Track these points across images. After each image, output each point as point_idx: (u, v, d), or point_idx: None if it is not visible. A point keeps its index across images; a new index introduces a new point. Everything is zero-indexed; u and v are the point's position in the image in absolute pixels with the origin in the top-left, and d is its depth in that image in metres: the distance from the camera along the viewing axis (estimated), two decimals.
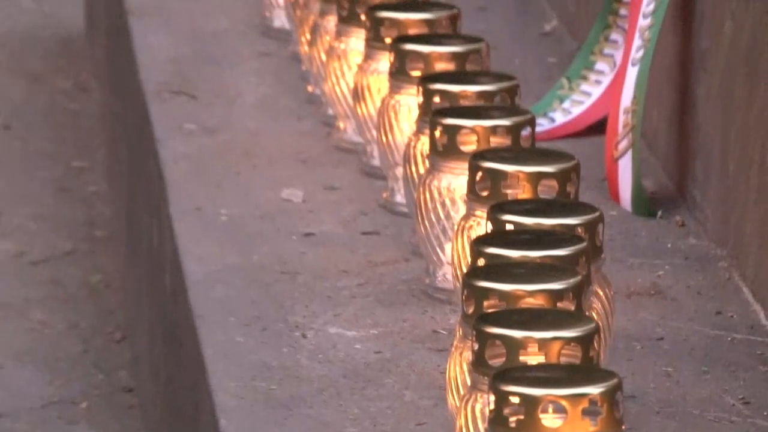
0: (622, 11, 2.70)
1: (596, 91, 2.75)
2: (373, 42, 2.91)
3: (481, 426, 1.98)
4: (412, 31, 2.87)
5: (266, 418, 2.32)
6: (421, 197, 2.62)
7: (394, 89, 2.75)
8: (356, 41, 3.02)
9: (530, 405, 1.87)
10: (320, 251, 2.72)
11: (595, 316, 2.11)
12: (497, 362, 1.99)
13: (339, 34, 3.10)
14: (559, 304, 2.09)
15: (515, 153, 2.57)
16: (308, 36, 3.21)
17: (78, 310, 3.51)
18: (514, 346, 1.98)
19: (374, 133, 2.86)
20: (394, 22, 2.89)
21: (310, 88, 2.99)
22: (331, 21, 3.12)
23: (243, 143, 3.17)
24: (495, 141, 2.56)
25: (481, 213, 2.38)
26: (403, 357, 2.41)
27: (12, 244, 3.39)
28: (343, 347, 2.47)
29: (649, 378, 2.31)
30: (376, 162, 2.91)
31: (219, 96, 3.04)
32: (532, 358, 2.00)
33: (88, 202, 3.50)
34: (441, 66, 2.79)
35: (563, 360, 2.01)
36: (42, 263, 3.31)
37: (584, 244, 2.20)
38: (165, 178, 2.85)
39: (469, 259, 2.27)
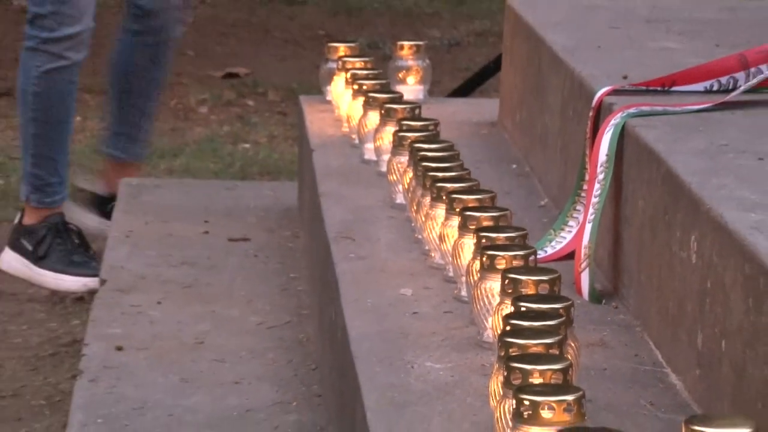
0: (583, 194, 2.74)
1: (569, 237, 2.74)
2: (449, 213, 2.70)
3: (509, 417, 1.96)
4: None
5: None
6: (475, 293, 2.47)
7: (461, 235, 2.63)
8: (440, 211, 2.74)
9: (535, 406, 1.89)
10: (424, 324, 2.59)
11: (569, 357, 2.12)
12: (517, 382, 1.99)
13: (431, 207, 2.80)
14: (550, 351, 2.09)
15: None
16: (415, 207, 2.94)
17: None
18: (526, 374, 1.99)
19: (450, 258, 2.71)
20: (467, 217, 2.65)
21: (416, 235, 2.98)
22: (427, 199, 2.84)
23: None
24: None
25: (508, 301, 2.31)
26: (466, 379, 2.34)
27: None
28: (434, 373, 2.39)
29: (599, 391, 2.27)
30: (451, 274, 2.74)
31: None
32: (536, 380, 1.99)
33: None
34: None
35: (553, 382, 1.99)
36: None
37: (564, 318, 2.21)
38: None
39: (501, 325, 2.24)
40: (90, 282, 4.14)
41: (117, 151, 4.79)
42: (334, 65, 3.85)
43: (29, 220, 4.55)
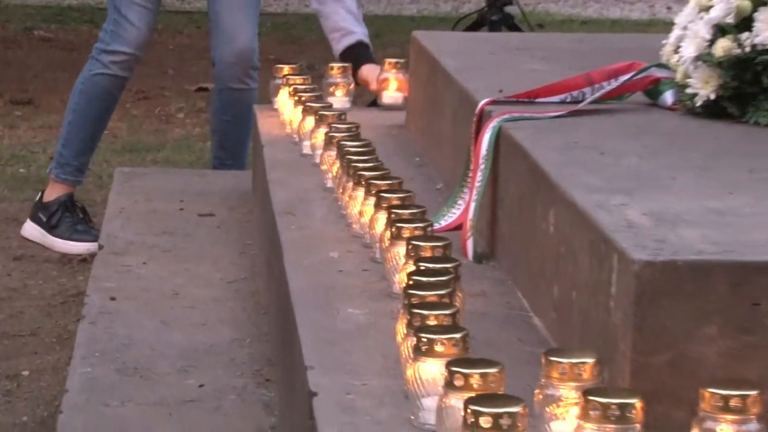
0: (469, 180, 2.72)
1: (458, 213, 2.71)
2: (367, 194, 2.69)
3: (411, 351, 1.90)
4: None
5: None
6: (386, 255, 2.48)
7: (375, 211, 2.60)
8: (360, 193, 2.74)
9: (430, 342, 1.85)
10: (347, 279, 2.58)
11: (457, 305, 2.09)
12: (417, 324, 1.95)
13: (353, 190, 2.79)
14: (442, 300, 2.06)
15: None
16: (341, 190, 2.92)
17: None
18: (423, 318, 1.96)
19: (367, 229, 2.70)
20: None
21: None
22: (350, 184, 2.82)
23: None
24: None
25: (411, 262, 2.28)
26: (379, 322, 2.32)
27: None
28: (355, 317, 2.38)
29: (480, 330, 2.17)
30: (368, 241, 2.71)
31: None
32: (431, 322, 1.96)
33: None
34: None
35: (444, 324, 1.96)
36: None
37: (453, 275, 2.19)
38: None
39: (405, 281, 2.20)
40: (91, 247, 4.15)
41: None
42: (280, 81, 3.86)
43: (47, 197, 4.57)
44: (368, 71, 4.25)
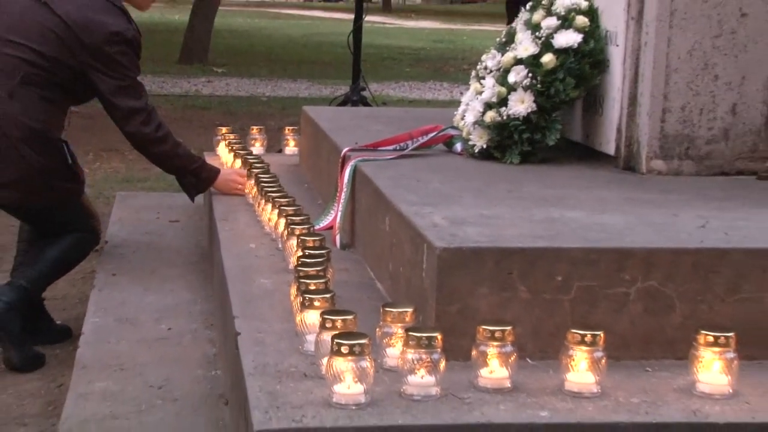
0: (336, 199, 2.63)
1: (330, 218, 2.61)
2: (273, 208, 2.55)
3: (298, 306, 1.84)
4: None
5: None
6: (285, 245, 2.40)
7: (278, 218, 2.49)
8: (269, 206, 2.64)
9: (311, 300, 1.82)
10: (261, 260, 2.48)
11: (329, 276, 2.03)
12: (302, 288, 1.88)
13: (264, 204, 2.70)
14: (319, 272, 2.00)
15: None
16: (258, 205, 2.82)
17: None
18: (306, 285, 1.89)
19: (273, 229, 2.59)
20: None
21: None
22: (263, 201, 2.74)
23: None
24: None
25: (300, 249, 2.19)
26: (281, 288, 2.19)
27: None
28: (265, 285, 2.31)
29: (345, 293, 2.08)
30: (274, 237, 2.57)
31: None
32: (312, 288, 1.87)
33: None
34: None
35: (320, 288, 1.88)
36: None
37: (326, 257, 2.11)
38: None
39: (296, 261, 2.12)
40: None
41: None
42: (220, 137, 3.78)
43: None
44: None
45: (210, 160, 3.76)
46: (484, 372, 1.65)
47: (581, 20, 2.48)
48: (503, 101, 2.57)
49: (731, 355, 1.61)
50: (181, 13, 15.10)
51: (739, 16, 2.31)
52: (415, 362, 1.59)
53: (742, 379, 1.63)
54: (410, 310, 1.78)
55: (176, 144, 2.89)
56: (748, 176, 2.36)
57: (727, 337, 1.60)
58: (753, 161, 2.34)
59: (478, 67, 2.73)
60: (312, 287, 1.89)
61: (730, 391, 1.61)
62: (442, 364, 1.61)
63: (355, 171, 2.62)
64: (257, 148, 3.82)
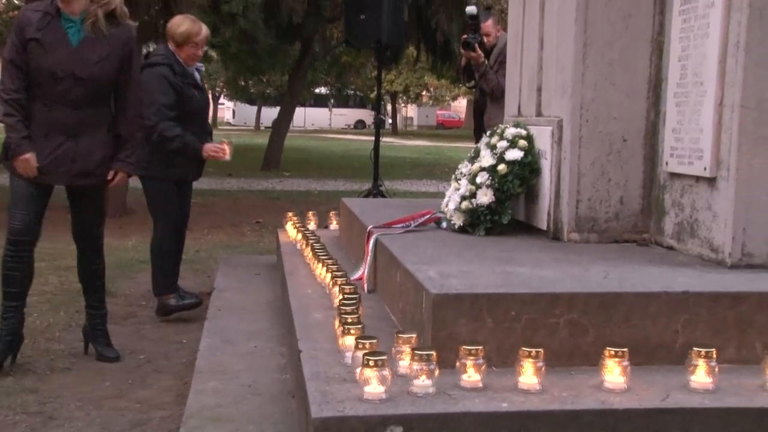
0: (363, 260, 2.54)
1: (359, 272, 2.47)
2: (322, 266, 2.51)
3: (341, 331, 1.79)
4: None
5: None
6: (332, 291, 2.34)
7: (326, 273, 2.44)
8: (319, 265, 2.59)
9: (347, 327, 1.78)
10: (315, 299, 2.40)
11: (359, 312, 1.96)
12: (344, 319, 1.82)
13: (315, 263, 2.64)
14: (352, 309, 1.90)
15: None
16: (312, 264, 2.73)
17: None
18: (346, 317, 1.80)
19: (322, 280, 2.53)
20: None
21: None
22: (315, 261, 2.68)
23: None
24: None
25: (340, 294, 2.13)
26: (330, 318, 2.08)
27: None
28: (321, 312, 2.19)
29: (370, 323, 1.95)
30: (323, 285, 2.48)
31: None
32: (348, 318, 1.81)
33: None
34: None
35: (354, 320, 1.81)
36: None
37: (358, 300, 2.02)
38: None
39: (338, 302, 2.07)
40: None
41: None
42: (288, 219, 3.67)
43: None
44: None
45: (281, 234, 3.77)
46: (464, 377, 1.64)
47: (522, 143, 2.55)
48: (473, 195, 2.58)
49: (626, 363, 1.63)
50: (263, 138, 15.49)
51: (622, 140, 2.42)
52: (418, 371, 1.59)
53: (633, 379, 1.66)
54: (414, 335, 1.74)
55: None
56: (632, 243, 2.42)
57: (623, 351, 1.63)
58: (635, 234, 2.42)
59: (456, 172, 2.73)
60: (349, 320, 1.87)
61: (626, 387, 1.63)
62: (437, 372, 1.60)
63: (376, 241, 2.56)
64: (312, 226, 3.79)
